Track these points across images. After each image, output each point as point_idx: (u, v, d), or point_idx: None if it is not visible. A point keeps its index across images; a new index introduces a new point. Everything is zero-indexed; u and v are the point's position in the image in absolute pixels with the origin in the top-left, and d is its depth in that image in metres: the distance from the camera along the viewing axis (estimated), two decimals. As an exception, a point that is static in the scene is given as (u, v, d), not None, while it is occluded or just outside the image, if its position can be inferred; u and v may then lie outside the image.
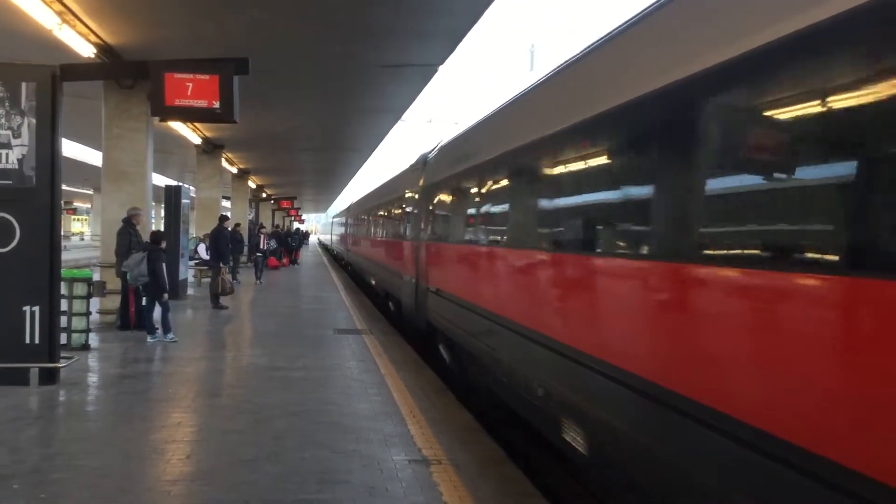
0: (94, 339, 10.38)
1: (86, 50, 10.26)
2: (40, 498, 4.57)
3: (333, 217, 55.61)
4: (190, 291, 18.37)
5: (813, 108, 2.73)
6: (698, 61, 3.37)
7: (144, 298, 10.83)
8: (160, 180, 32.42)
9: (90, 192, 55.52)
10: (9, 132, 7.16)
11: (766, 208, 3.01)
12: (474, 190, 8.05)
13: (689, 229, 3.47)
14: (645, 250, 3.96)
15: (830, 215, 2.62)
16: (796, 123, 2.86)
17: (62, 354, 8.32)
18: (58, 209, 7.47)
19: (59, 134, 7.54)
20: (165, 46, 10.70)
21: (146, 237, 11.28)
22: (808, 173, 2.84)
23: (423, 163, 12.36)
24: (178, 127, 17.97)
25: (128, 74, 10.09)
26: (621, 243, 4.35)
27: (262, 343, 11.07)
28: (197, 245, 20.96)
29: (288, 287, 22.26)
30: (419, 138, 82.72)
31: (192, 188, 21.26)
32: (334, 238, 50.37)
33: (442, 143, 11.21)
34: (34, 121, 7.24)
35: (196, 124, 19.22)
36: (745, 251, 3.12)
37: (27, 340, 7.46)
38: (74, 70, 7.84)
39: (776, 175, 3.00)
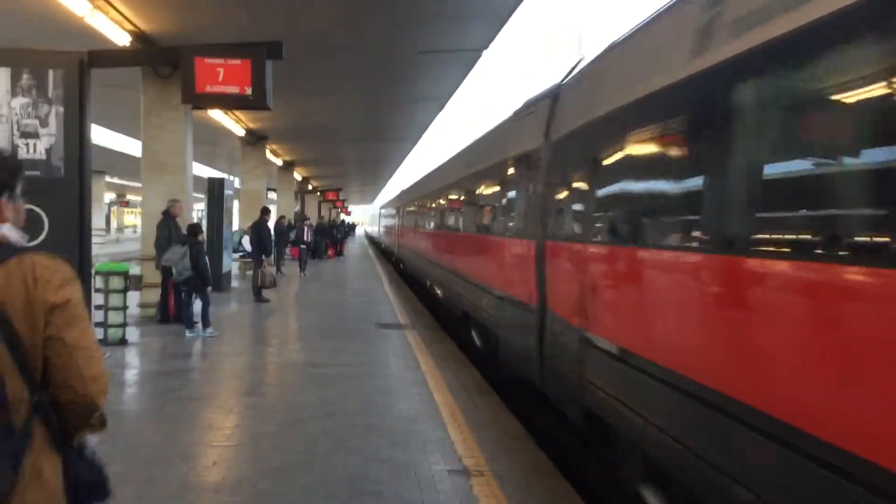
0: (133, 334, 10.21)
1: (121, 38, 10.06)
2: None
3: (381, 207, 49.88)
4: (234, 284, 18.28)
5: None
6: None
7: (182, 292, 10.62)
8: (209, 173, 32.65)
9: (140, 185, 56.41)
10: (36, 121, 6.93)
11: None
12: (700, 131, 3.76)
13: None
14: None
15: None
16: None
17: (97, 350, 8.12)
18: (87, 200, 7.23)
19: (87, 123, 7.29)
20: (200, 34, 10.43)
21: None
22: None
23: (552, 98, 6.94)
24: (221, 118, 17.83)
25: (157, 60, 9.84)
26: None
27: (302, 337, 10.79)
28: (241, 237, 20.88)
29: (332, 279, 22.07)
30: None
31: (235, 180, 21.16)
32: (383, 231, 44.39)
33: (605, 51, 5.82)
34: (62, 109, 6.99)
35: (238, 115, 19.08)
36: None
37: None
38: (103, 56, 7.58)
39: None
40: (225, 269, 16.73)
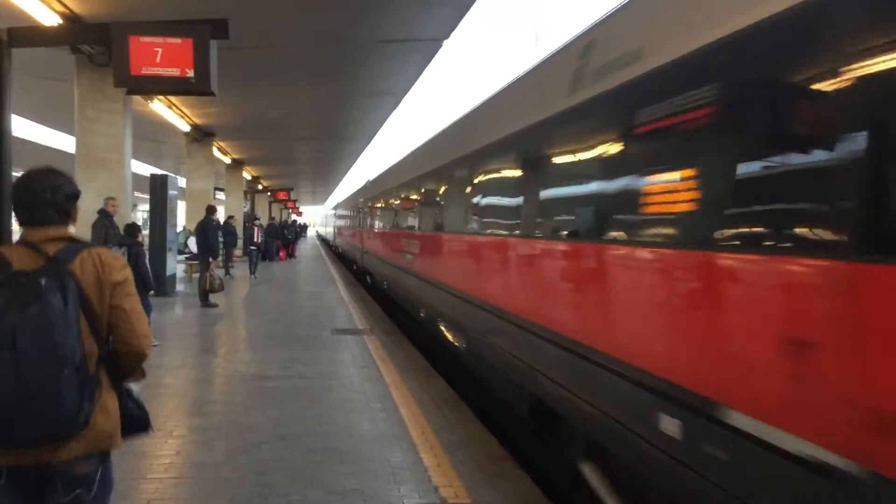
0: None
1: (50, 18, 9.12)
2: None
3: (335, 207, 43.49)
4: (179, 287, 17.29)
5: None
6: None
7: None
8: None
9: (83, 185, 54.37)
10: (-56, 106, 6.04)
11: None
12: None
13: None
14: None
15: None
16: None
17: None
18: (7, 196, 6.35)
19: (8, 109, 6.40)
20: (139, 17, 9.53)
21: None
22: None
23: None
24: (165, 112, 16.80)
25: (86, 39, 8.89)
26: None
27: (252, 346, 9.98)
28: (187, 238, 19.86)
29: (284, 282, 21.15)
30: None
31: (179, 178, 20.09)
32: (340, 233, 37.16)
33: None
34: (-25, 94, 6.11)
35: (183, 109, 18.09)
36: None
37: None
38: (25, 35, 6.68)
39: None
40: (169, 272, 15.79)
